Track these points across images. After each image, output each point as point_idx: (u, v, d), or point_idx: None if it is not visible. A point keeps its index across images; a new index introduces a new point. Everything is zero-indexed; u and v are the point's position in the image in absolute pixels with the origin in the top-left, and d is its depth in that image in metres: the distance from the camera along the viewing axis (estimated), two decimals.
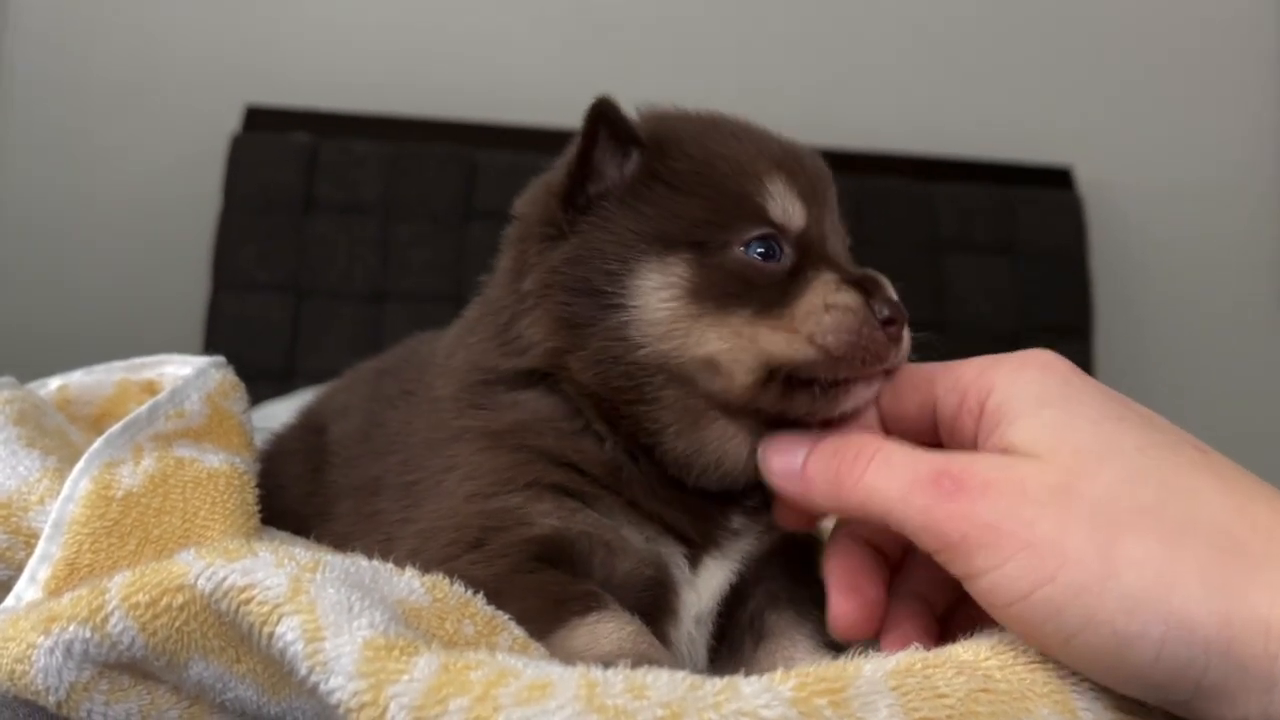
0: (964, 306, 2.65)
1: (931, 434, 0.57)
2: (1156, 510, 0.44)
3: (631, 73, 2.77)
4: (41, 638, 0.47)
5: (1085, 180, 2.83)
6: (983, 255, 2.68)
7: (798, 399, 0.59)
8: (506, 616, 0.53)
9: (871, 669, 0.41)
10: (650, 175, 0.63)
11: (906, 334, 0.60)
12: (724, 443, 0.61)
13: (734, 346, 0.59)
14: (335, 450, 0.75)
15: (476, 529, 0.60)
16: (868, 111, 2.82)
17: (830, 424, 0.60)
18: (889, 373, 0.60)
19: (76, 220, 2.61)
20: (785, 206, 0.62)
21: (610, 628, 0.54)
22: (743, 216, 0.61)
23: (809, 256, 0.62)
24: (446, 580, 0.52)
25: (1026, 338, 2.70)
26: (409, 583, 0.50)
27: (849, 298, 0.59)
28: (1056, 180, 2.82)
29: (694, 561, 0.64)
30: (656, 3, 2.81)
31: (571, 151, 0.66)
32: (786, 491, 0.58)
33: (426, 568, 0.54)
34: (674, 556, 0.63)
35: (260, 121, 2.59)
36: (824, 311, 0.59)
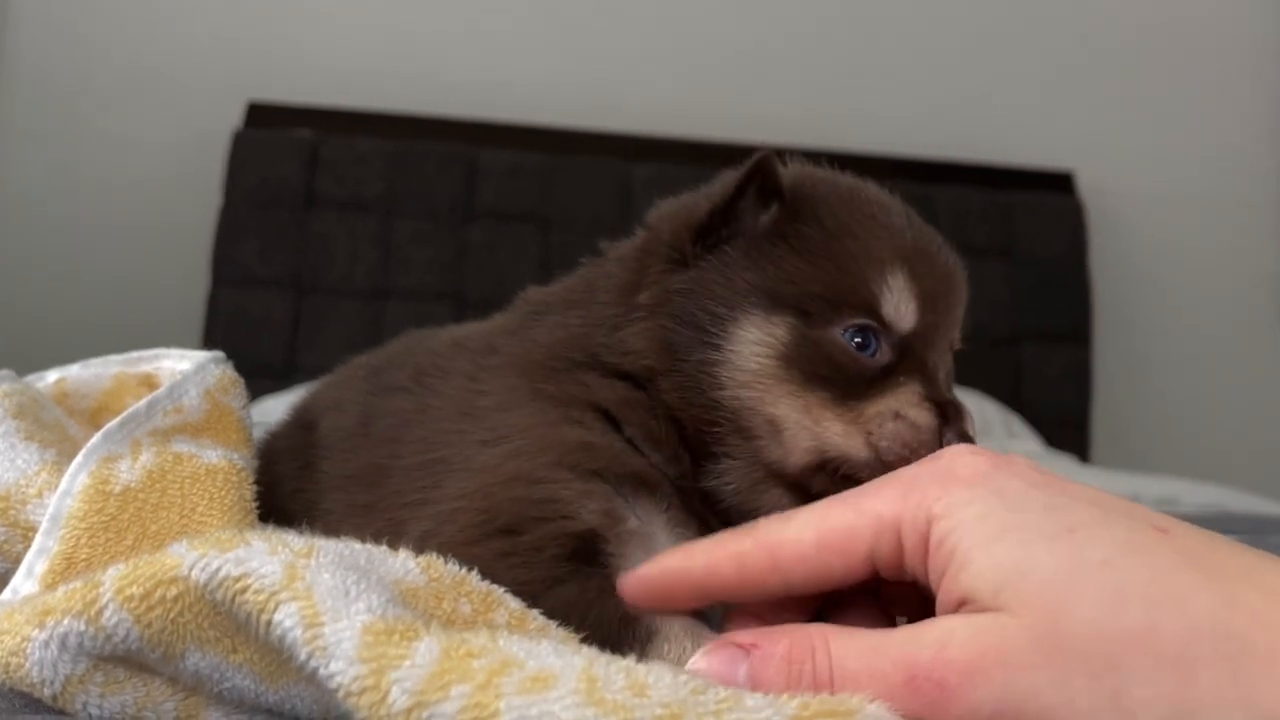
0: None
1: (862, 581, 0.49)
2: (1148, 634, 0.40)
3: (632, 73, 2.78)
4: (36, 631, 0.47)
5: (1086, 185, 2.84)
6: (982, 260, 2.68)
7: (838, 487, 0.59)
8: (501, 590, 0.52)
9: (876, 710, 0.41)
10: (779, 233, 0.64)
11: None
12: (774, 508, 0.61)
13: (801, 420, 0.60)
14: (326, 444, 0.74)
15: (511, 514, 0.58)
16: (867, 114, 2.83)
17: None
18: None
19: (77, 214, 2.61)
20: (899, 304, 0.61)
21: (672, 656, 0.53)
22: (852, 301, 0.61)
23: (907, 361, 0.61)
24: (440, 559, 0.52)
25: (1025, 344, 2.70)
26: (404, 563, 0.50)
27: (923, 416, 0.59)
28: (1057, 185, 2.83)
29: None
30: (657, 4, 2.82)
31: (718, 191, 0.66)
32: None
33: (440, 552, 0.53)
34: None
35: (262, 118, 2.59)
36: (893, 418, 0.59)
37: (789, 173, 0.67)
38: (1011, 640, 0.41)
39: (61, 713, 0.48)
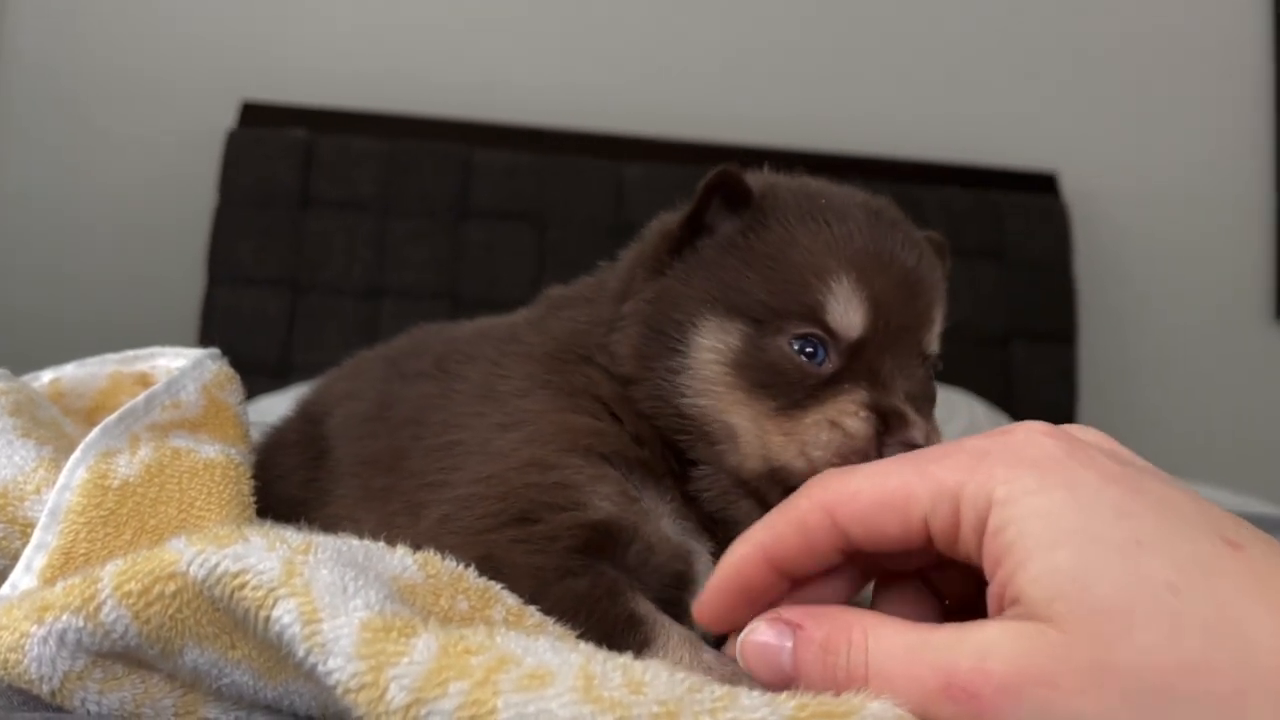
0: (950, 311, 2.66)
1: (920, 548, 0.47)
2: (1203, 668, 0.38)
3: (626, 74, 2.78)
4: (34, 627, 0.47)
5: (1071, 186, 2.85)
6: (968, 260, 2.69)
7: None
8: (499, 587, 0.53)
9: (879, 709, 0.41)
10: (738, 241, 0.64)
11: None
12: (747, 520, 0.61)
13: (750, 428, 0.61)
14: (338, 434, 0.75)
15: (526, 501, 0.60)
16: (856, 116, 2.83)
17: None
18: None
19: (72, 214, 2.60)
20: (845, 311, 0.61)
21: (670, 661, 0.53)
22: (798, 310, 0.61)
23: (854, 368, 0.60)
24: (438, 556, 0.52)
25: (1012, 344, 2.71)
26: (402, 560, 0.50)
27: (857, 424, 0.58)
28: (1042, 186, 2.84)
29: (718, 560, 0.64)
30: (652, 5, 2.82)
31: (689, 205, 0.67)
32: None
33: (458, 536, 0.54)
34: (702, 555, 0.63)
35: (257, 117, 2.59)
36: (828, 427, 0.58)
37: (758, 180, 0.68)
38: (1057, 660, 0.39)
39: (60, 709, 0.48)
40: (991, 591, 0.43)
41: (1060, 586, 0.40)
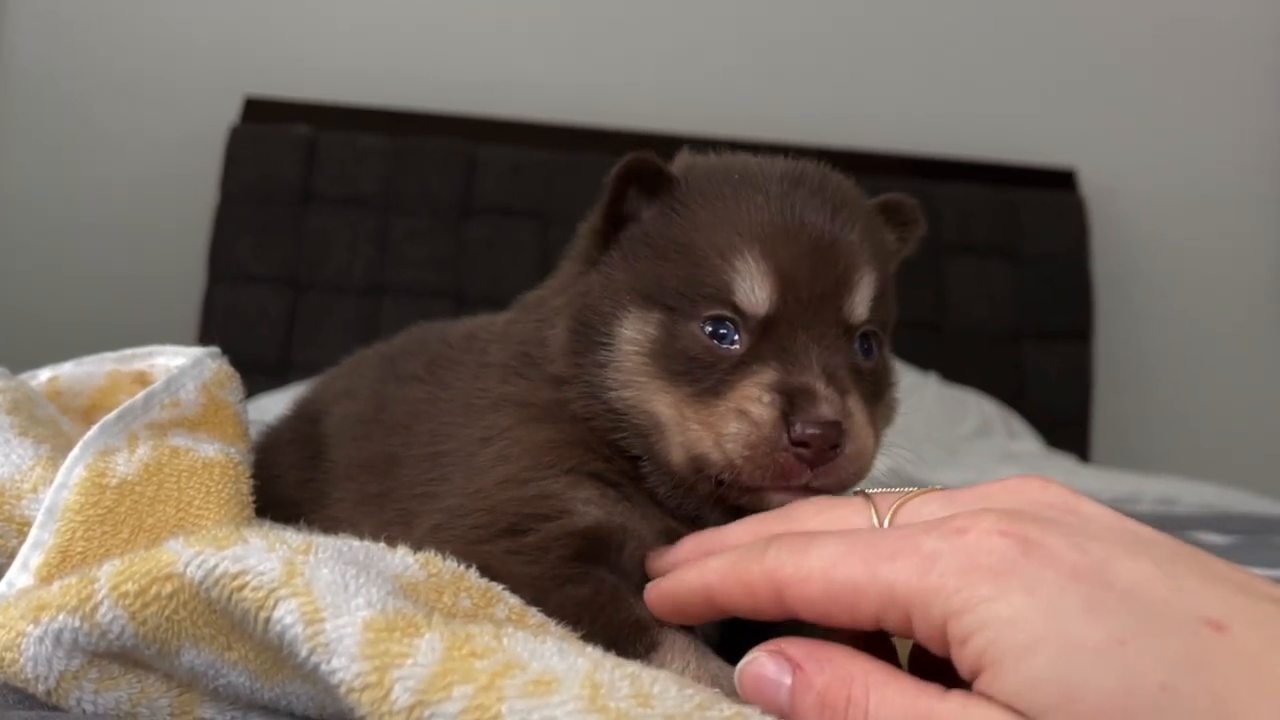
0: (964, 309, 2.66)
1: (868, 627, 0.46)
2: None
3: (632, 71, 2.77)
4: (31, 626, 0.46)
5: (1089, 183, 2.84)
6: (984, 257, 2.69)
7: (724, 490, 0.58)
8: (501, 588, 0.53)
9: None
10: (654, 229, 0.64)
11: (853, 450, 0.57)
12: (706, 517, 0.61)
13: (673, 417, 0.60)
14: (335, 434, 0.75)
15: (512, 515, 0.59)
16: (871, 111, 2.83)
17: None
18: (816, 490, 0.57)
19: (73, 210, 2.60)
20: (752, 289, 0.59)
21: (675, 667, 0.53)
22: (707, 293, 0.60)
23: (765, 346, 0.59)
24: (439, 557, 0.52)
25: (1026, 342, 2.70)
26: (403, 559, 0.50)
27: (760, 411, 0.56)
28: (1060, 183, 2.83)
29: None
30: (660, 2, 2.81)
31: (603, 199, 0.66)
32: None
33: (451, 546, 0.53)
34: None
35: (259, 113, 2.59)
36: (736, 416, 0.57)
37: (681, 162, 0.67)
38: None
39: (55, 708, 0.48)
40: (975, 679, 0.42)
41: (1048, 699, 0.39)
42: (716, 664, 0.54)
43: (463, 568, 0.52)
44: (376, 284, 2.49)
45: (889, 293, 0.66)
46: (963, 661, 0.41)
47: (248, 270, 2.45)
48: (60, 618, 0.46)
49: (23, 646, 0.46)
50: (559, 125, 2.67)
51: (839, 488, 0.57)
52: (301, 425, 0.79)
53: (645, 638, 0.54)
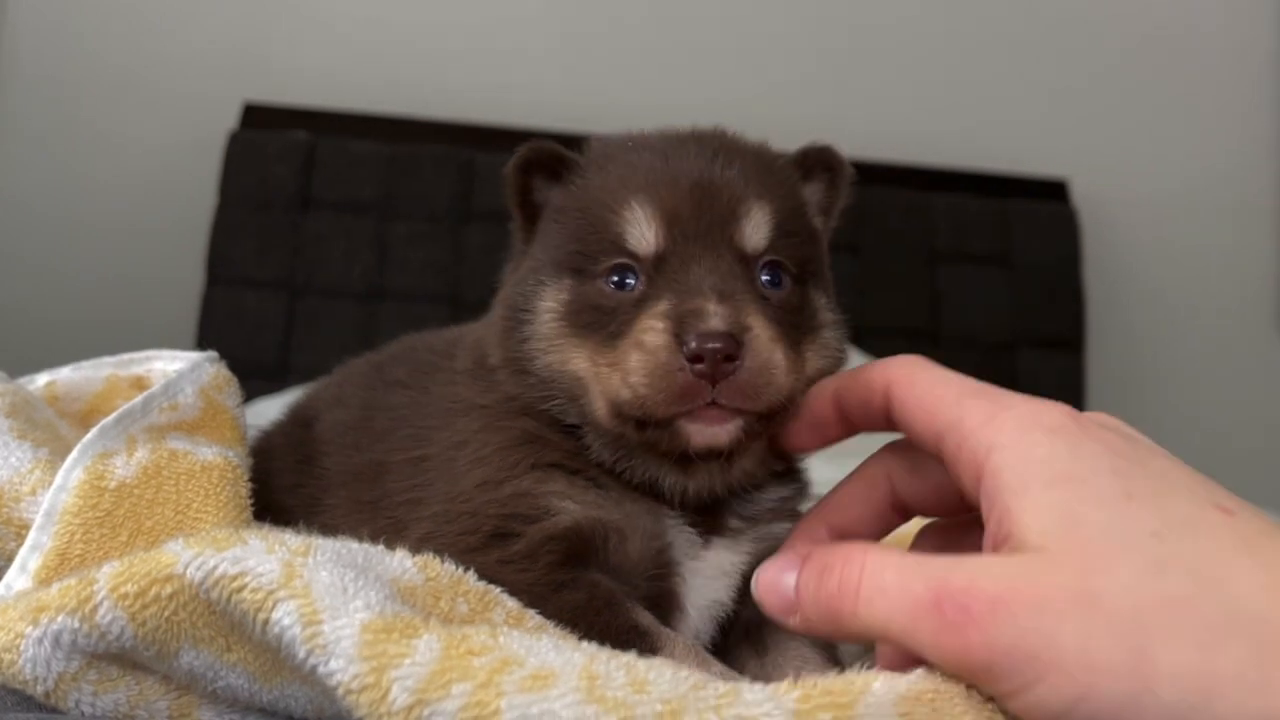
0: (958, 318, 2.66)
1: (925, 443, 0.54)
2: (1185, 606, 0.40)
3: (629, 78, 2.78)
4: (30, 628, 0.47)
5: (1081, 193, 2.85)
6: (978, 267, 2.69)
7: (649, 434, 0.59)
8: (499, 590, 0.53)
9: (881, 688, 0.41)
10: (558, 207, 0.68)
11: (757, 363, 0.57)
12: (651, 471, 0.63)
13: (589, 369, 0.62)
14: (327, 440, 0.75)
15: (495, 518, 0.61)
16: (865, 122, 2.83)
17: (714, 456, 0.61)
18: (741, 411, 0.58)
19: (73, 215, 2.60)
20: (641, 232, 0.62)
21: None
22: (604, 246, 0.63)
23: (659, 283, 0.61)
24: (437, 559, 0.52)
25: (1019, 350, 2.71)
26: (401, 562, 0.50)
27: (653, 338, 0.58)
28: (1052, 193, 2.84)
29: (705, 542, 0.64)
30: (655, 8, 2.82)
31: (508, 191, 0.70)
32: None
33: (441, 554, 0.54)
34: (681, 533, 0.63)
35: (258, 119, 2.59)
36: (635, 348, 0.59)
37: (593, 145, 0.70)
38: (1044, 585, 0.42)
39: (54, 710, 0.48)
40: (988, 531, 0.46)
41: (1050, 521, 0.43)
42: (719, 668, 0.55)
43: (460, 571, 0.53)
44: (374, 289, 2.49)
45: (807, 234, 0.68)
46: (988, 491, 0.46)
47: (246, 275, 2.45)
48: (59, 619, 0.46)
49: (21, 648, 0.46)
50: (557, 133, 2.67)
51: (748, 403, 0.58)
52: (293, 430, 0.80)
53: (645, 642, 0.55)
